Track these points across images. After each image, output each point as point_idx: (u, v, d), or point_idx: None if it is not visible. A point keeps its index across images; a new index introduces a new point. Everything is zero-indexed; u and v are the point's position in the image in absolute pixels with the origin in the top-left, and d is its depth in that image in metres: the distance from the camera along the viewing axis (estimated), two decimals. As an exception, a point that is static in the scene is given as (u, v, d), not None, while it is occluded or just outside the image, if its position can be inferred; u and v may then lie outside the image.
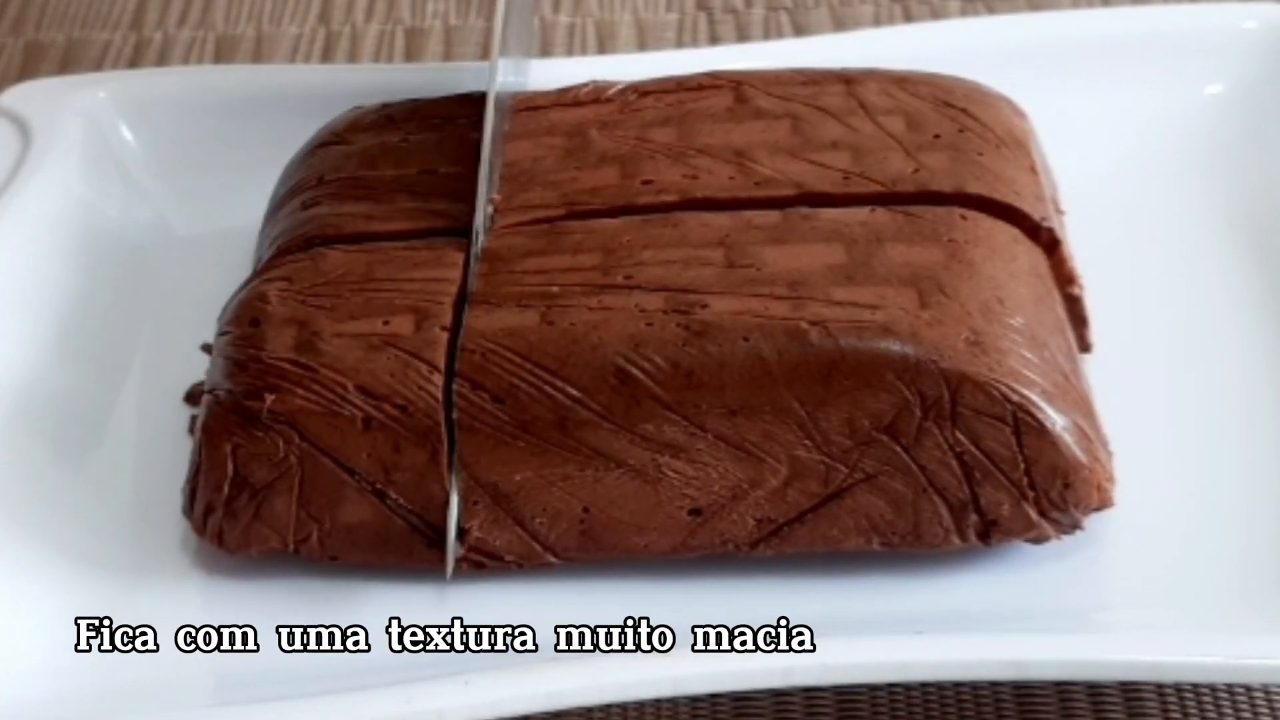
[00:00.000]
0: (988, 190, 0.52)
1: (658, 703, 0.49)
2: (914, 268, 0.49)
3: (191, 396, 0.55)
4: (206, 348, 0.53)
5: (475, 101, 0.56)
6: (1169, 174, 0.60)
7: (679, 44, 0.72)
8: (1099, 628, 0.48)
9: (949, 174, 0.52)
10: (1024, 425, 0.47)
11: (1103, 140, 0.61)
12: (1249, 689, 0.49)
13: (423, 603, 0.49)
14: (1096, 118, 0.61)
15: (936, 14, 0.73)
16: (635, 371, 0.47)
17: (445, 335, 0.48)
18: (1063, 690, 0.49)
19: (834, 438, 0.47)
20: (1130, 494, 0.49)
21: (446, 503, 0.48)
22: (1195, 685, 0.49)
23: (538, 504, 0.48)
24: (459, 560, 0.49)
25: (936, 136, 0.53)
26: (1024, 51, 0.62)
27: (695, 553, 0.49)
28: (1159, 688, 0.49)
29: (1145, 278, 0.57)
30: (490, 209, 0.52)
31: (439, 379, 0.48)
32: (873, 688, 0.49)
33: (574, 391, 0.47)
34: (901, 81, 0.55)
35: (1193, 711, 0.48)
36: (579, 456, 0.48)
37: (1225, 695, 0.49)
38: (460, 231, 0.51)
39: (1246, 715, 0.48)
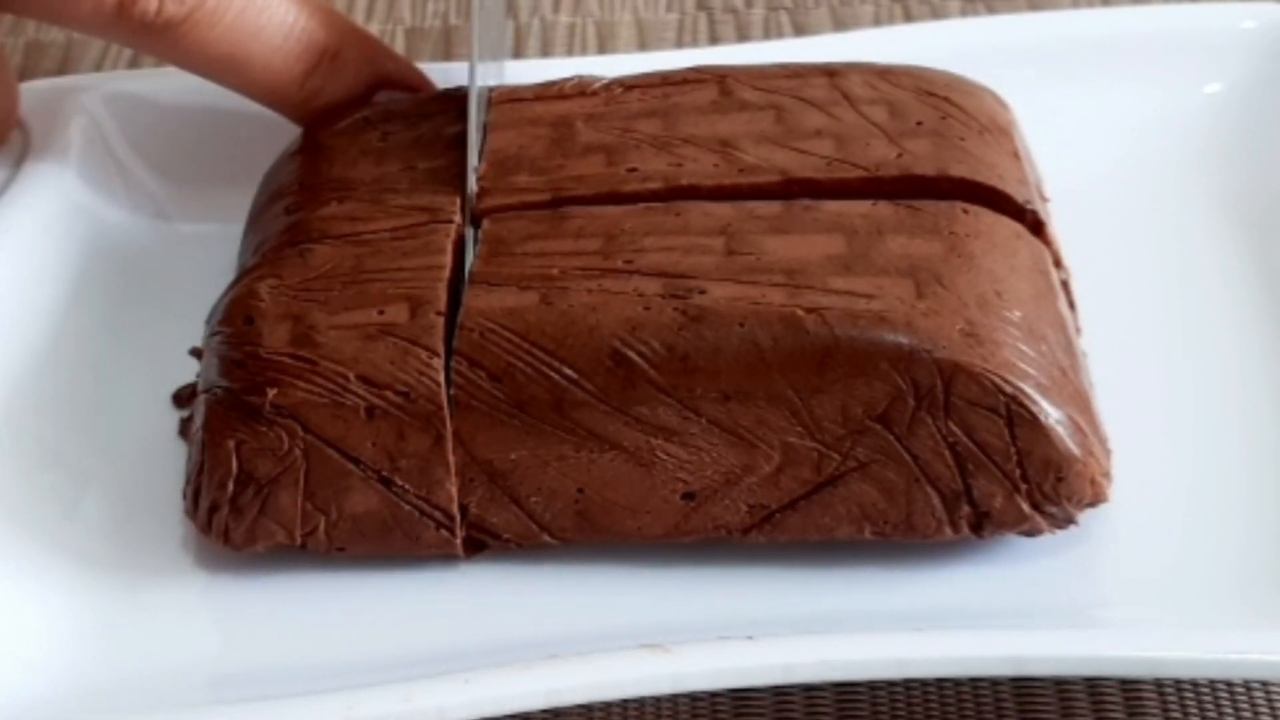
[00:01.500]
0: (970, 173, 0.52)
1: (658, 701, 0.49)
2: (913, 259, 0.49)
3: (180, 399, 0.55)
4: (196, 352, 0.53)
5: (450, 98, 0.56)
6: (1168, 174, 0.60)
7: (679, 44, 0.72)
8: (1098, 624, 0.48)
9: (932, 158, 0.52)
10: (1017, 417, 0.47)
11: (1102, 140, 0.61)
12: (1248, 685, 0.49)
13: (425, 598, 0.49)
14: (1096, 117, 0.61)
15: (936, 14, 0.73)
16: (631, 354, 0.47)
17: (441, 320, 0.49)
18: (1062, 688, 0.49)
19: (827, 425, 0.47)
20: (1127, 490, 0.49)
21: (452, 486, 0.49)
22: (1194, 682, 0.49)
23: (533, 483, 0.48)
24: (461, 541, 0.49)
25: (919, 124, 0.53)
26: (1024, 51, 0.62)
27: (689, 537, 0.49)
28: (1158, 685, 0.49)
29: (1144, 277, 0.57)
30: (475, 189, 0.52)
31: (439, 363, 0.48)
32: (873, 685, 0.49)
33: (570, 372, 0.47)
34: (884, 73, 0.55)
35: (1192, 709, 0.48)
36: (574, 437, 0.48)
37: (1225, 692, 0.49)
38: (445, 223, 0.52)
39: (1246, 713, 0.48)
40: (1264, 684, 0.49)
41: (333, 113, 0.57)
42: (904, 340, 0.47)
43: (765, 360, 0.47)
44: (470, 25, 0.55)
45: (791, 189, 0.51)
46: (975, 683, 0.49)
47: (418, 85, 0.59)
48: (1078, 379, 0.49)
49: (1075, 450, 0.47)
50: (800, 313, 0.47)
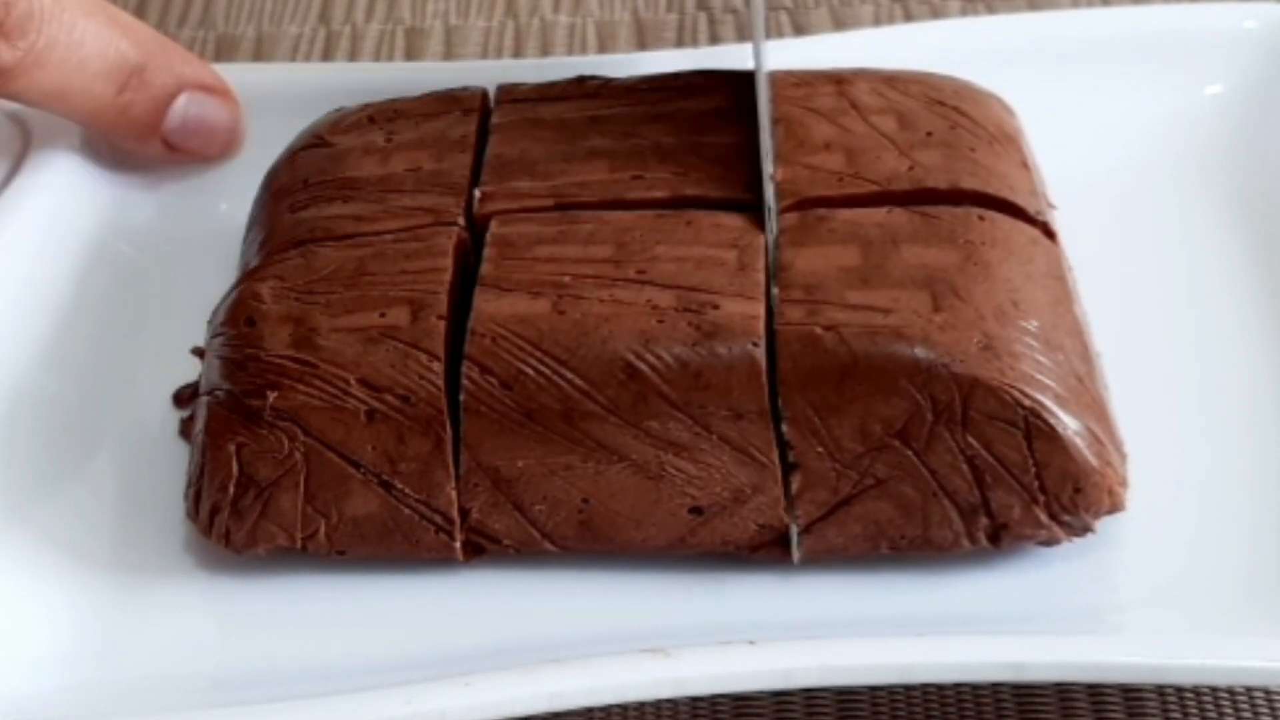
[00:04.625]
0: (982, 185, 0.51)
1: (658, 703, 0.49)
2: (929, 270, 0.48)
3: (180, 399, 0.55)
4: (198, 351, 0.53)
5: (454, 98, 0.56)
6: (1170, 174, 0.60)
7: (679, 44, 0.72)
8: (1106, 629, 0.48)
9: (943, 170, 0.52)
10: (1035, 430, 0.47)
11: (1103, 140, 0.61)
12: (1250, 690, 0.49)
13: (426, 601, 0.49)
14: (1096, 118, 0.61)
15: (936, 14, 0.73)
16: (643, 368, 0.47)
17: (443, 324, 0.48)
18: (1063, 691, 0.49)
19: (845, 444, 0.47)
20: (1141, 493, 0.48)
21: (452, 490, 0.48)
22: (1196, 687, 0.49)
23: (538, 491, 0.48)
24: (461, 545, 0.49)
25: (929, 134, 0.53)
26: (1024, 51, 0.62)
27: (694, 550, 0.49)
28: (1159, 689, 0.49)
29: (1147, 279, 0.57)
30: (479, 194, 0.52)
31: (439, 367, 0.48)
32: (873, 688, 0.49)
33: (581, 383, 0.47)
34: (891, 80, 0.55)
35: (1192, 710, 0.48)
36: (582, 448, 0.48)
37: (1226, 696, 0.49)
38: (448, 225, 0.51)
39: (1246, 714, 0.48)
40: (1266, 688, 0.49)
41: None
42: (921, 355, 0.46)
43: (783, 380, 0.47)
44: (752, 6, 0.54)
45: (803, 207, 0.51)
46: (976, 684, 0.49)
47: (215, 86, 0.60)
48: (1094, 387, 0.49)
49: (1093, 461, 0.47)
50: (818, 331, 0.47)
